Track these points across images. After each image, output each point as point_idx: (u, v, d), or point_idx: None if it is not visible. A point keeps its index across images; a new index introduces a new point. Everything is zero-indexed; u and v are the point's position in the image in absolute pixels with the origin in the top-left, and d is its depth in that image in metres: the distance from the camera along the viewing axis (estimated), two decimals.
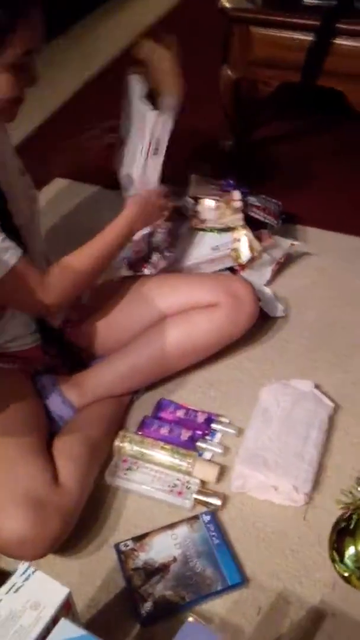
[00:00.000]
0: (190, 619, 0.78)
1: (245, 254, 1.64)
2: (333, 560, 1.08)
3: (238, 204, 1.68)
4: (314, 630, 1.08)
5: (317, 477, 1.27)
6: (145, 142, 1.35)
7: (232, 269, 1.68)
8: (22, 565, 0.90)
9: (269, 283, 1.68)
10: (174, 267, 1.61)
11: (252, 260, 1.65)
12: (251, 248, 1.64)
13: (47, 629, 0.84)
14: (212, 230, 1.67)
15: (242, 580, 1.13)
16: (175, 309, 1.41)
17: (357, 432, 1.37)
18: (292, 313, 1.64)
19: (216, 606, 1.11)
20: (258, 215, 1.73)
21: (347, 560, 1.06)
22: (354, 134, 2.24)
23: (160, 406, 1.42)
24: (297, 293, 1.69)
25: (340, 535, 1.07)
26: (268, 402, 1.38)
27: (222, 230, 1.67)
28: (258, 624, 1.09)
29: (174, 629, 1.04)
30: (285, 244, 1.72)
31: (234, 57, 1.97)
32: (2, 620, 0.85)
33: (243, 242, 1.64)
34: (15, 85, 1.08)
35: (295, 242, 1.74)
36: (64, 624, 0.83)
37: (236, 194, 1.70)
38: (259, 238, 1.68)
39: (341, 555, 1.05)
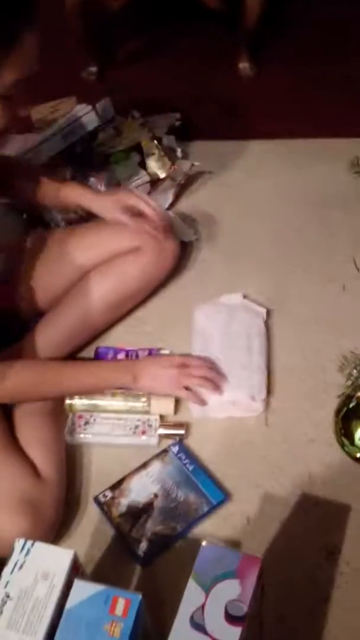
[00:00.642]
0: (204, 542, 0.79)
1: (161, 169, 1.61)
2: (343, 446, 1.12)
3: (140, 120, 1.63)
4: (303, 522, 1.13)
5: (269, 382, 1.30)
6: None
7: None
8: (18, 542, 0.88)
9: (170, 206, 1.66)
10: None
11: (158, 182, 1.61)
12: (164, 165, 1.60)
13: (64, 595, 0.83)
14: (119, 153, 1.61)
15: (225, 497, 1.16)
16: (100, 260, 1.38)
17: (293, 328, 1.41)
18: (203, 233, 1.64)
19: (207, 527, 1.13)
20: None
21: (358, 441, 1.10)
22: (215, 35, 2.20)
23: (98, 355, 1.40)
24: (204, 213, 1.68)
25: (346, 420, 1.11)
26: (203, 323, 1.39)
27: (131, 149, 1.60)
28: (250, 532, 1.13)
29: (174, 559, 1.08)
30: (186, 165, 1.69)
31: None
32: (16, 600, 0.83)
33: (158, 158, 1.60)
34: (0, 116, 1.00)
35: (195, 163, 1.71)
36: (79, 584, 0.83)
37: (135, 113, 1.65)
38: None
39: (351, 439, 1.10)
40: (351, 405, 1.11)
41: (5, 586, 0.84)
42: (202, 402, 1.25)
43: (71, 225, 1.52)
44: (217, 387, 1.25)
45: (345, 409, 1.14)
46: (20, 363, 1.19)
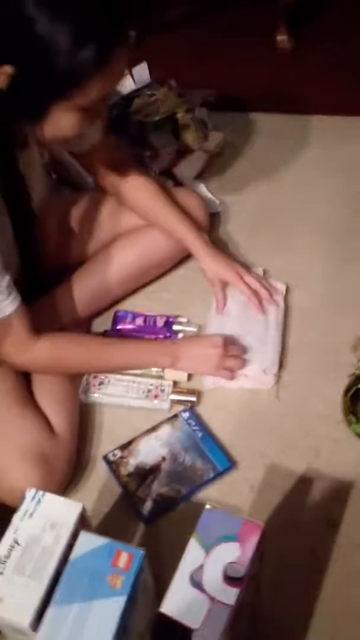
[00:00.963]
0: (208, 505, 0.82)
1: (193, 141, 1.61)
2: (350, 424, 1.14)
3: (177, 90, 1.63)
4: (306, 494, 1.15)
5: (282, 357, 1.32)
6: None
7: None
8: (30, 492, 0.91)
9: (199, 175, 1.67)
10: None
11: (189, 152, 1.62)
12: (197, 136, 1.60)
13: (70, 545, 0.86)
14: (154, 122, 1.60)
15: (231, 464, 1.18)
16: (131, 226, 1.40)
17: (311, 306, 1.42)
18: (229, 204, 1.64)
19: (212, 492, 1.16)
20: None
21: None
22: (254, 6, 2.18)
23: (117, 319, 1.42)
24: (231, 185, 1.69)
25: (354, 399, 1.13)
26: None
27: (166, 119, 1.60)
28: (254, 500, 1.15)
29: (177, 520, 1.11)
30: (217, 137, 1.69)
31: None
32: (24, 545, 0.86)
33: (192, 130, 1.60)
34: (80, 127, 1.00)
35: (226, 136, 1.71)
36: (85, 536, 0.86)
37: (172, 82, 1.65)
38: None
39: (357, 417, 1.12)
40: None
41: (15, 532, 0.88)
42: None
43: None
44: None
45: (354, 388, 1.15)
46: (67, 337, 1.21)
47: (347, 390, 1.17)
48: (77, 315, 1.37)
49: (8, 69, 0.89)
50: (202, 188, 1.63)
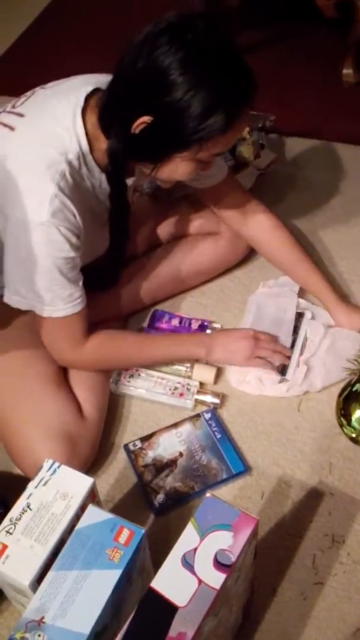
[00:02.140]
0: (208, 494, 0.85)
1: (249, 155, 1.66)
2: (341, 425, 1.17)
3: None
4: (315, 508, 1.17)
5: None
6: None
7: None
8: (47, 462, 0.96)
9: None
10: None
11: (245, 166, 1.67)
12: (252, 150, 1.65)
13: (77, 516, 0.91)
14: None
15: (245, 469, 1.21)
16: (180, 234, 1.50)
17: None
18: None
19: (223, 493, 1.20)
20: None
21: (354, 422, 1.15)
22: (324, 38, 2.23)
23: (155, 317, 1.47)
24: (278, 203, 1.73)
25: (346, 401, 1.15)
26: (258, 304, 1.44)
27: None
28: (263, 506, 1.18)
29: (186, 516, 1.15)
30: (271, 156, 1.74)
31: None
32: (35, 510, 0.92)
33: (247, 143, 1.65)
34: (193, 174, 1.10)
35: (281, 157, 1.75)
36: (92, 509, 0.90)
37: None
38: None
39: (348, 419, 1.14)
40: (354, 388, 1.14)
41: (28, 497, 0.93)
42: (276, 371, 1.32)
43: (154, 195, 1.59)
44: (285, 359, 1.32)
45: (348, 390, 1.17)
46: (111, 335, 1.27)
47: (341, 393, 1.19)
48: (121, 311, 1.44)
49: (147, 119, 1.00)
50: None
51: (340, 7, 1.96)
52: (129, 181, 1.18)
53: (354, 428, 1.16)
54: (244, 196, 1.41)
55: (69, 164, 1.06)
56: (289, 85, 2.11)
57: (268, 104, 1.91)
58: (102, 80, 1.11)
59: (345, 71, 2.09)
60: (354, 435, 1.17)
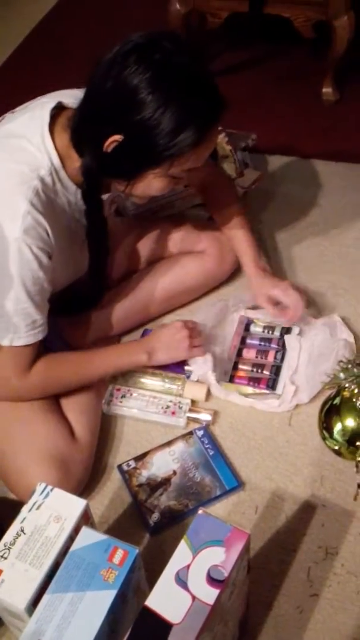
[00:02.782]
0: (200, 511, 0.86)
1: (232, 173, 1.69)
2: (324, 438, 1.19)
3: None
4: (308, 520, 1.19)
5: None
6: None
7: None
8: (40, 486, 0.98)
9: None
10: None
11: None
12: (235, 169, 1.68)
13: (71, 538, 0.92)
14: None
15: (239, 484, 1.23)
16: (166, 254, 1.52)
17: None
18: (260, 239, 1.70)
19: (217, 509, 1.21)
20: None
21: (336, 435, 1.16)
22: (303, 58, 2.27)
23: (145, 335, 1.49)
24: (263, 220, 1.76)
25: (328, 415, 1.17)
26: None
27: None
28: (257, 520, 1.19)
29: (181, 534, 1.14)
30: (254, 175, 1.77)
31: None
32: (29, 534, 0.93)
33: (229, 161, 1.68)
34: (166, 189, 1.13)
35: (265, 175, 1.78)
36: (86, 531, 0.92)
37: None
38: None
39: (330, 432, 1.16)
40: (334, 402, 1.16)
41: (22, 522, 0.94)
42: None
43: (138, 216, 1.62)
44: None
45: (329, 404, 1.18)
46: (55, 356, 1.24)
47: (323, 406, 1.21)
48: (111, 331, 1.45)
49: (118, 138, 1.03)
50: None
51: (317, 27, 2.00)
52: (105, 196, 1.20)
53: (336, 440, 1.17)
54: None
55: (42, 180, 1.07)
56: (271, 105, 2.15)
57: (251, 123, 1.96)
58: (67, 93, 1.13)
59: (324, 90, 2.13)
60: (336, 447, 1.18)
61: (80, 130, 1.07)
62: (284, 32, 2.05)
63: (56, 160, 1.09)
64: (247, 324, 1.48)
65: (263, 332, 1.46)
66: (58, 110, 1.11)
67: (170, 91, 0.99)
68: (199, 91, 1.03)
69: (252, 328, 1.47)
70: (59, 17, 2.74)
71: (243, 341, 1.45)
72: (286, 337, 1.42)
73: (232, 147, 1.66)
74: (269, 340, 1.44)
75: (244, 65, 2.34)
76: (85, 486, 1.23)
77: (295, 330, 1.43)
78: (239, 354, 1.43)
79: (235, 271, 1.57)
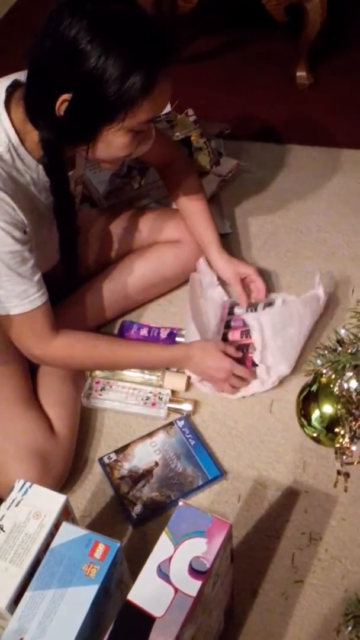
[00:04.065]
0: (181, 503, 0.86)
1: (206, 163, 1.68)
2: (302, 426, 1.18)
3: (193, 117, 1.69)
4: (291, 507, 1.18)
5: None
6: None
7: None
8: (18, 483, 0.96)
9: (211, 198, 1.73)
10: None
11: (202, 176, 1.68)
12: (209, 159, 1.67)
13: (51, 534, 0.91)
14: None
15: (221, 473, 1.22)
16: (143, 244, 1.50)
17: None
18: (238, 226, 1.70)
19: (200, 499, 1.20)
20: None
21: (314, 422, 1.16)
22: (276, 42, 2.26)
23: (123, 328, 1.48)
24: (241, 207, 1.75)
25: (305, 401, 1.17)
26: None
27: (180, 142, 1.66)
28: (240, 509, 1.19)
29: (164, 525, 1.14)
30: (230, 163, 1.75)
31: None
32: (8, 532, 0.91)
33: (203, 153, 1.66)
34: (130, 147, 1.10)
35: (241, 162, 1.77)
36: (66, 526, 0.90)
37: (190, 110, 1.72)
38: None
39: (308, 419, 1.16)
40: (311, 388, 1.16)
41: (1, 519, 0.93)
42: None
43: (112, 206, 1.60)
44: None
45: (307, 391, 1.18)
46: (83, 338, 1.25)
47: (299, 394, 1.20)
48: (89, 323, 1.43)
49: (67, 97, 1.00)
50: (213, 210, 1.68)
51: (290, 10, 1.98)
52: (71, 174, 1.17)
53: (315, 428, 1.17)
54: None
55: (0, 157, 1.05)
56: (245, 90, 2.14)
57: (225, 108, 1.94)
58: (24, 73, 1.09)
59: (298, 74, 2.12)
60: (315, 434, 1.18)
61: (31, 99, 1.04)
62: (257, 15, 2.03)
63: (14, 136, 1.06)
64: (231, 307, 1.47)
65: (247, 311, 1.44)
66: (14, 88, 1.08)
67: (110, 37, 0.96)
68: (141, 34, 0.99)
69: (236, 310, 1.46)
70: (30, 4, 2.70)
71: (228, 325, 1.44)
72: (245, 317, 1.39)
73: (205, 138, 1.64)
74: None
75: (217, 51, 2.32)
76: (66, 480, 1.22)
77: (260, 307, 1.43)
78: (224, 338, 1.41)
79: None
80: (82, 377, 1.36)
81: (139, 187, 1.62)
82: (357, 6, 2.36)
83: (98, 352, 1.27)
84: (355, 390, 0.97)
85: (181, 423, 1.29)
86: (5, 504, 0.94)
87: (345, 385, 0.97)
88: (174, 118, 1.67)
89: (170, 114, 1.69)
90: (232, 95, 2.10)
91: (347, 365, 0.95)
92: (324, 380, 1.12)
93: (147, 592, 0.78)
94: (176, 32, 2.27)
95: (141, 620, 0.76)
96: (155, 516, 1.18)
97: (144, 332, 1.45)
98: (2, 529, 0.92)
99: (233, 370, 1.29)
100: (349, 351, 0.95)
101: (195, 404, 1.33)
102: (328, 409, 1.13)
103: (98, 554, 0.88)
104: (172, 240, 1.50)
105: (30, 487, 0.96)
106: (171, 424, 1.29)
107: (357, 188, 1.78)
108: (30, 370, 1.31)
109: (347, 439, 1.03)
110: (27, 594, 0.84)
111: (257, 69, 2.22)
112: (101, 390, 1.35)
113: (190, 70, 2.21)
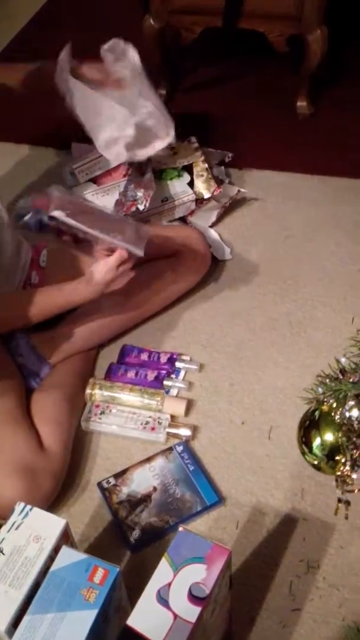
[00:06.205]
0: (181, 528, 0.86)
1: (205, 192, 1.70)
2: (303, 453, 1.19)
3: (195, 144, 1.72)
4: (289, 534, 1.19)
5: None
6: None
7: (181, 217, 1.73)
8: (19, 506, 0.97)
9: (213, 225, 1.75)
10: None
11: (203, 202, 1.70)
12: (210, 187, 1.69)
13: (50, 558, 0.91)
14: (172, 170, 1.70)
15: (219, 499, 1.22)
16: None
17: (309, 353, 1.47)
18: (239, 253, 1.71)
19: (198, 525, 1.20)
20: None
21: (315, 450, 1.16)
22: (277, 72, 2.30)
23: (124, 352, 1.49)
24: (241, 234, 1.77)
25: (307, 430, 1.17)
26: None
27: (182, 169, 1.69)
28: (238, 536, 1.19)
29: (162, 550, 1.14)
30: (232, 190, 1.78)
31: (155, 6, 1.99)
32: (8, 555, 0.92)
33: (204, 180, 1.68)
34: None
35: (242, 190, 1.80)
36: (66, 550, 0.91)
37: (192, 138, 1.75)
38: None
39: (309, 447, 1.16)
40: (313, 416, 1.17)
41: (1, 542, 0.93)
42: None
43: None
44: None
45: (308, 418, 1.19)
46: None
47: (301, 422, 1.21)
48: (86, 344, 1.44)
49: None
50: (215, 235, 1.71)
51: (291, 41, 2.02)
52: None
53: (316, 455, 1.17)
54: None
55: None
56: (246, 119, 2.17)
57: (226, 138, 1.97)
58: None
59: (299, 104, 2.15)
60: (316, 462, 1.19)
61: None
62: (259, 46, 2.07)
63: None
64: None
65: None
66: None
67: None
68: None
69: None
70: (40, 27, 2.74)
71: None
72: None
73: (208, 164, 1.67)
74: None
75: (219, 81, 2.36)
76: (64, 504, 1.22)
77: None
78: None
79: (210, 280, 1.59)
80: (80, 398, 1.37)
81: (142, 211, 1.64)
82: (357, 37, 2.41)
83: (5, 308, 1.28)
84: (357, 419, 0.98)
85: (180, 448, 1.29)
86: (5, 527, 0.94)
87: (347, 414, 0.98)
88: (177, 146, 1.70)
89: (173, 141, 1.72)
90: (234, 124, 2.13)
91: (349, 394, 0.96)
92: (325, 408, 1.13)
93: (146, 617, 0.79)
94: (179, 62, 2.31)
95: None
96: (153, 541, 1.18)
97: (144, 356, 1.46)
98: (2, 552, 0.92)
99: (110, 264, 1.25)
100: (351, 380, 0.96)
101: (195, 429, 1.33)
102: (329, 436, 1.14)
103: (97, 578, 0.88)
104: (169, 255, 1.51)
105: (30, 510, 0.96)
106: (170, 449, 1.30)
107: (357, 217, 1.80)
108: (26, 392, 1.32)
109: (348, 467, 1.04)
110: (26, 618, 0.84)
111: (259, 99, 2.26)
112: (101, 414, 1.35)
113: (192, 99, 2.25)
